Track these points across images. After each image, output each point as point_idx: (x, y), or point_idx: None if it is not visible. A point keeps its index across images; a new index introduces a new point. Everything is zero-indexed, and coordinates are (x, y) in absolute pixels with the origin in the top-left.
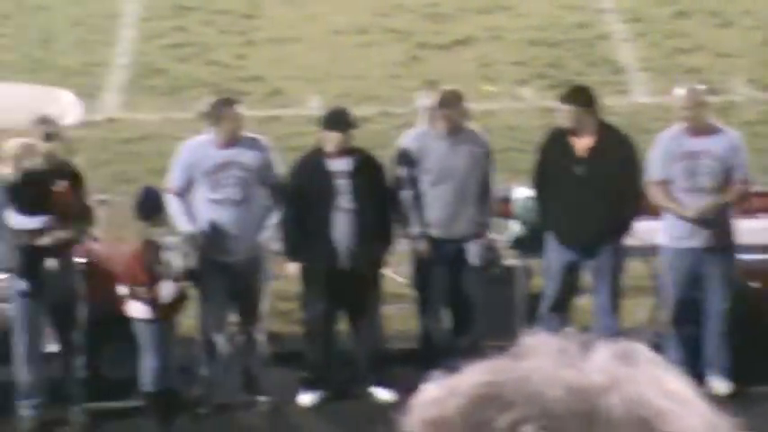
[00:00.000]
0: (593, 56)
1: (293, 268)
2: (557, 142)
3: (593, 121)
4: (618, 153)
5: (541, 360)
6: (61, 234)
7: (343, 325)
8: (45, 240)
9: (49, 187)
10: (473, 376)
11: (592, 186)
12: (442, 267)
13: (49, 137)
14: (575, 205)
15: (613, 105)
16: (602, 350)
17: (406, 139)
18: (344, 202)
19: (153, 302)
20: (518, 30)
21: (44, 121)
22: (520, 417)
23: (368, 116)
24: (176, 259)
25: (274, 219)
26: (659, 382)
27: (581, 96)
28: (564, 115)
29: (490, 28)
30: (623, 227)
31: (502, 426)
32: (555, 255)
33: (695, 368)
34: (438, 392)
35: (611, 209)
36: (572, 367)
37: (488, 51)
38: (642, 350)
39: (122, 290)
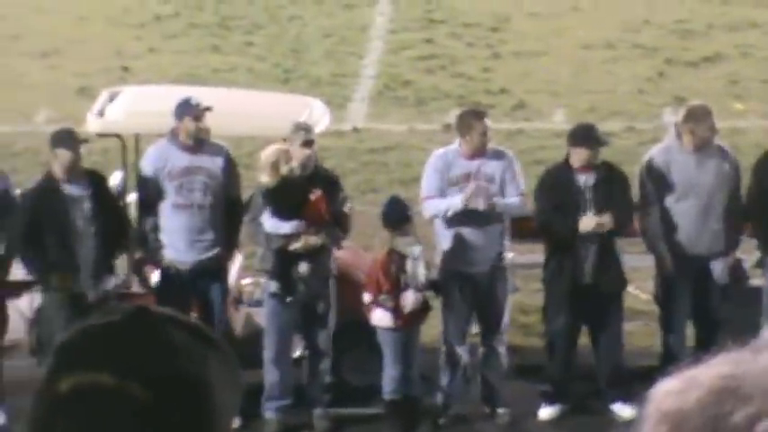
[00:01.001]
0: None
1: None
2: None
3: None
4: None
5: None
6: (312, 240)
7: (584, 339)
8: (296, 245)
9: (304, 193)
10: (714, 368)
11: None
12: (686, 284)
13: (306, 144)
14: None
15: None
16: None
17: (653, 155)
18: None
19: (396, 311)
20: None
21: (302, 128)
22: (757, 411)
23: (614, 131)
24: (420, 269)
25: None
26: None
27: None
28: None
29: (740, 45)
30: None
31: (738, 420)
32: None
33: None
34: (678, 384)
35: None
36: None
37: (737, 69)
38: None
39: (367, 297)
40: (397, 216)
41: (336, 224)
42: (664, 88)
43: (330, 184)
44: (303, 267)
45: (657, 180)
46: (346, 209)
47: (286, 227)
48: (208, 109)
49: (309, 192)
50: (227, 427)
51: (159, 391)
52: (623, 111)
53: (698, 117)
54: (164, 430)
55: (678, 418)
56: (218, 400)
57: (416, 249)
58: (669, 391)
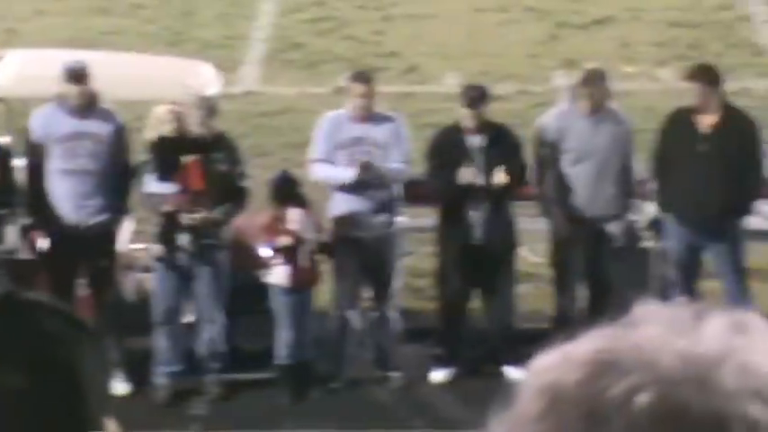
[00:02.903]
0: (734, 38)
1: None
2: (679, 121)
3: (718, 100)
4: (741, 132)
5: (654, 329)
6: (196, 217)
7: (476, 303)
8: (186, 219)
9: (181, 157)
10: (589, 344)
11: (714, 164)
12: (580, 247)
13: (200, 108)
14: (696, 184)
15: (754, 88)
16: (715, 320)
17: (548, 118)
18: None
19: (290, 268)
20: (658, 10)
21: (192, 94)
22: (636, 384)
23: (506, 95)
24: (308, 233)
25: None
26: None
27: (706, 74)
28: (689, 93)
29: (630, 8)
30: (745, 207)
31: (617, 393)
32: (675, 238)
33: None
34: (554, 359)
35: (733, 188)
36: (685, 336)
37: (628, 32)
38: (756, 320)
39: (260, 252)
40: (286, 192)
41: (231, 197)
42: (555, 51)
43: (228, 152)
44: (183, 239)
45: (552, 144)
46: (244, 183)
47: (159, 187)
48: (88, 74)
49: (186, 156)
50: (101, 409)
51: (33, 376)
52: (515, 74)
53: (593, 81)
54: (40, 414)
55: (555, 392)
56: (91, 383)
57: (300, 212)
58: (546, 366)
